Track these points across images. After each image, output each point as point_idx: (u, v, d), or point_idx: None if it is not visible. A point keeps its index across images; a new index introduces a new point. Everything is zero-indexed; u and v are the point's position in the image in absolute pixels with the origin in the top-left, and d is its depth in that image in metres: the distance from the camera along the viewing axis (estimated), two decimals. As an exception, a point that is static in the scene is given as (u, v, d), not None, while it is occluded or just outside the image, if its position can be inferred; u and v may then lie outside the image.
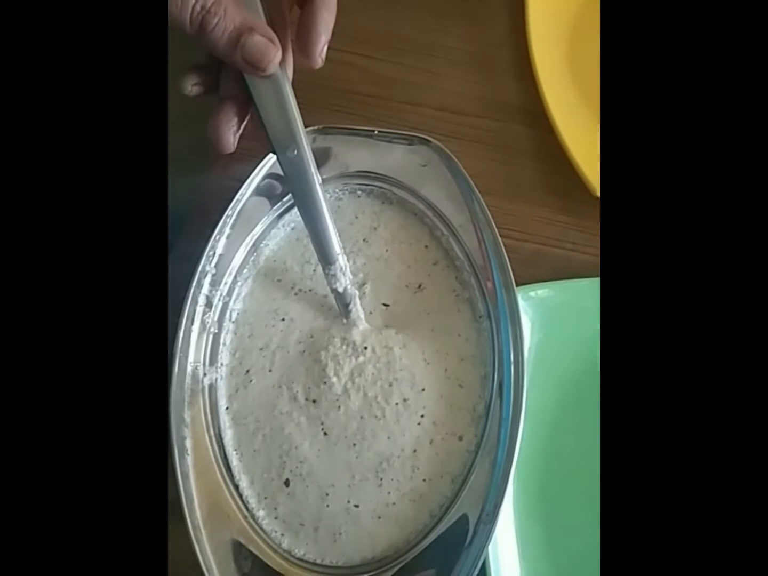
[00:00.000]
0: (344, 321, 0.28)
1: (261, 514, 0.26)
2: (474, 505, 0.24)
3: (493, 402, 0.26)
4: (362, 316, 0.28)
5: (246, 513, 0.25)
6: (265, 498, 0.26)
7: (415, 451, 0.26)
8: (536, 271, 0.33)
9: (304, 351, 0.28)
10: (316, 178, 0.25)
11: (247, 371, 0.28)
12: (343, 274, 0.27)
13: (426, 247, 0.29)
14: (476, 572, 0.23)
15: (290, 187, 0.26)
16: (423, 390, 0.27)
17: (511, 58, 0.40)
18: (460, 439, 0.26)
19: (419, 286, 0.29)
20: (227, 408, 0.27)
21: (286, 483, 0.26)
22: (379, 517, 0.25)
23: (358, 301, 0.28)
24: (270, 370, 0.27)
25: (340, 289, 0.27)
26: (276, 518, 0.25)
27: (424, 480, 0.26)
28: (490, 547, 0.26)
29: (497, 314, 0.27)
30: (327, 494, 0.25)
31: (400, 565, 0.24)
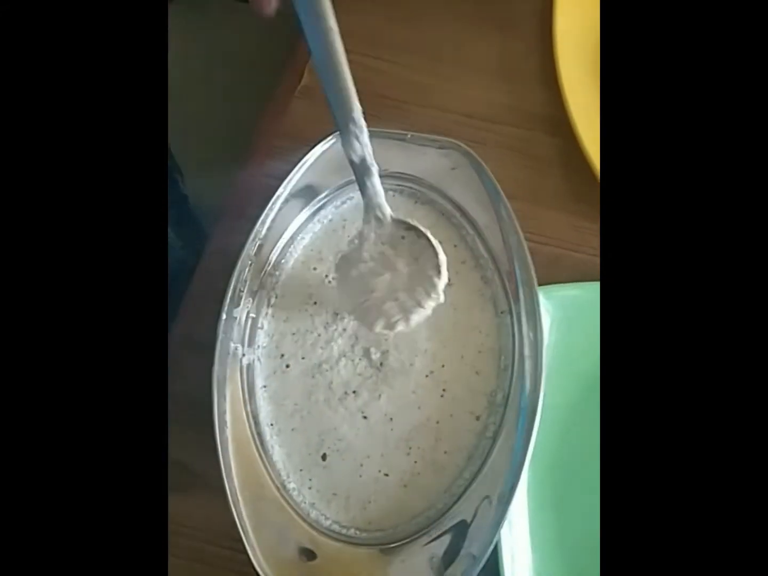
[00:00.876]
0: (364, 200, 0.26)
1: (292, 486, 0.28)
2: (491, 486, 0.26)
3: (512, 393, 0.27)
4: (382, 196, 0.26)
5: (278, 485, 0.27)
6: (301, 470, 0.28)
7: (438, 422, 0.28)
8: (556, 273, 0.35)
9: (334, 336, 0.29)
10: (334, 26, 0.22)
11: (282, 355, 0.29)
12: (359, 141, 0.24)
13: (455, 246, 0.31)
14: (491, 549, 0.24)
15: (307, 35, 0.22)
16: (443, 366, 0.29)
17: (538, 67, 0.41)
18: (477, 419, 0.28)
19: (448, 282, 0.30)
20: (264, 386, 0.29)
21: (323, 457, 0.28)
22: (405, 486, 0.27)
23: (376, 176, 0.25)
24: (303, 357, 0.29)
25: (356, 159, 0.24)
26: (310, 488, 0.27)
27: (445, 452, 0.28)
28: (504, 528, 0.27)
29: (518, 310, 0.29)
30: (362, 465, 0.28)
31: (420, 540, 0.25)
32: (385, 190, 0.32)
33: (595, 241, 0.37)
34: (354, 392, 0.29)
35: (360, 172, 0.25)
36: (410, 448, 0.28)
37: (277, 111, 0.41)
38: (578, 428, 0.32)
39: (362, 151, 0.24)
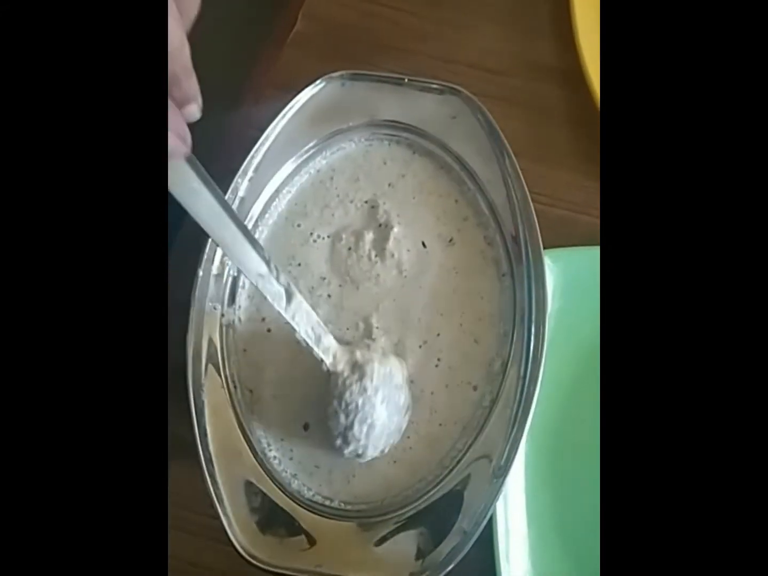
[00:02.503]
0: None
1: (272, 454, 0.26)
2: (486, 458, 0.24)
3: (510, 360, 0.25)
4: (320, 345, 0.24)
5: (258, 452, 0.25)
6: (282, 440, 0.26)
7: (432, 393, 0.26)
8: (562, 237, 0.32)
9: (318, 303, 0.27)
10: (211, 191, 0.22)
11: (263, 319, 0.28)
12: (279, 282, 0.24)
13: (456, 201, 0.29)
14: (484, 523, 0.23)
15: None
16: (438, 335, 0.27)
17: (550, 15, 0.38)
18: (475, 389, 0.26)
19: (450, 240, 0.28)
20: (245, 350, 0.27)
21: (305, 427, 0.26)
22: (395, 462, 0.25)
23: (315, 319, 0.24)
24: (285, 323, 0.27)
25: (282, 303, 0.24)
26: (291, 459, 0.26)
27: (440, 424, 0.26)
28: (499, 504, 0.26)
29: (521, 272, 0.26)
30: None
31: (408, 513, 0.24)
32: (380, 140, 0.30)
33: (604, 203, 0.35)
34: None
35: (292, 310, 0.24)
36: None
37: (268, 59, 0.38)
38: (580, 401, 0.30)
39: (286, 290, 0.24)
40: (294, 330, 0.24)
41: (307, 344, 0.24)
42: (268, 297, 0.23)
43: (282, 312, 0.23)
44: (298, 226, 0.29)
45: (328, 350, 0.24)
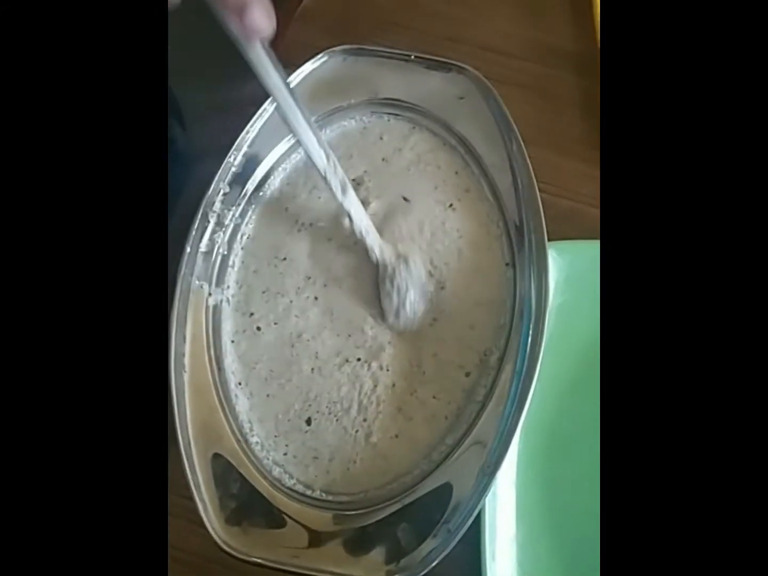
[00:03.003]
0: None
1: (254, 440, 0.25)
2: (476, 455, 0.23)
3: (507, 355, 0.24)
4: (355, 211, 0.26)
5: (239, 437, 0.24)
6: (276, 436, 0.25)
7: (425, 373, 0.25)
8: (570, 229, 0.31)
9: (307, 306, 0.26)
10: (280, 75, 0.23)
11: (252, 314, 0.27)
12: (335, 173, 0.25)
13: (456, 173, 0.27)
14: (469, 522, 0.22)
15: (263, 86, 0.23)
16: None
17: (569, -1, 0.37)
18: (467, 375, 0.25)
19: (450, 205, 0.27)
20: (233, 341, 0.26)
21: (308, 422, 0.25)
22: (396, 436, 0.24)
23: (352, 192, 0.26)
24: (276, 323, 0.26)
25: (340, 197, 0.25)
26: (285, 454, 0.25)
27: (433, 397, 0.25)
28: (488, 501, 0.25)
29: (522, 262, 0.25)
30: (354, 423, 0.25)
31: (392, 508, 0.23)
32: (380, 116, 0.28)
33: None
34: (347, 360, 0.26)
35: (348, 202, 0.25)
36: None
37: (274, 35, 0.37)
38: (578, 399, 0.29)
39: (337, 182, 0.25)
40: (351, 221, 0.25)
41: (362, 236, 0.25)
42: (332, 186, 0.25)
43: (343, 203, 0.25)
44: (286, 210, 0.28)
45: (375, 243, 0.26)
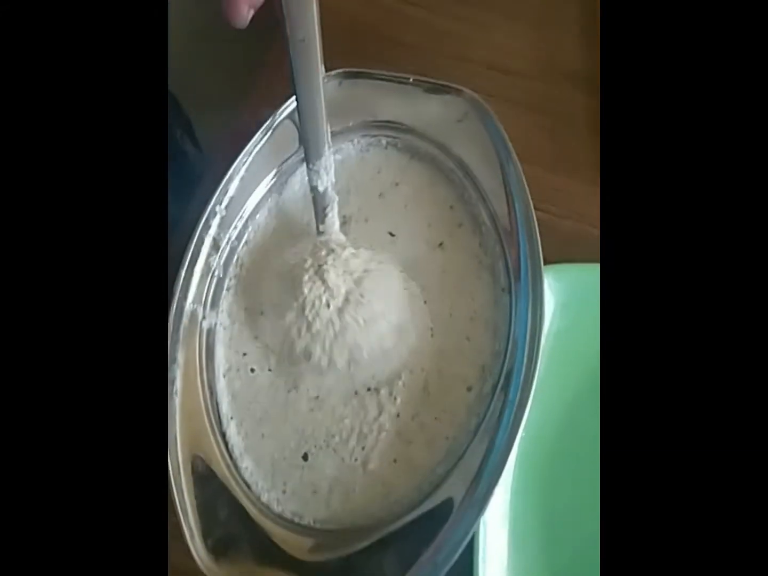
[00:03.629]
0: (319, 228, 0.26)
1: (245, 465, 0.25)
2: (464, 486, 0.22)
3: (500, 383, 0.24)
4: (337, 226, 0.26)
5: (229, 462, 0.24)
6: (273, 475, 0.25)
7: (429, 394, 0.25)
8: (574, 252, 0.30)
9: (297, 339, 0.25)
10: (320, 70, 0.24)
11: (245, 354, 0.26)
12: (327, 172, 0.26)
13: (451, 207, 0.27)
14: (455, 558, 0.21)
15: (293, 73, 0.24)
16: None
17: (577, 18, 0.36)
18: (469, 389, 0.25)
19: (440, 244, 0.27)
20: (224, 376, 0.26)
21: (305, 457, 0.25)
22: (395, 461, 0.24)
23: (336, 206, 0.26)
24: (270, 370, 0.26)
25: (321, 188, 0.26)
26: (284, 492, 0.24)
27: (435, 419, 0.25)
28: (480, 534, 0.24)
29: (518, 289, 0.25)
30: (353, 451, 0.25)
31: (378, 537, 0.23)
32: (377, 143, 0.28)
33: (622, 219, 0.33)
34: (356, 393, 0.25)
35: (321, 202, 0.26)
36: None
37: (279, 57, 0.38)
38: (576, 428, 0.28)
39: (327, 182, 0.26)
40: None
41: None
42: (313, 179, 0.25)
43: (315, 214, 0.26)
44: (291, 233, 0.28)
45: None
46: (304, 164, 0.27)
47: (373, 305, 0.25)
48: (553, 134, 0.34)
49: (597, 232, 0.33)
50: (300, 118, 0.25)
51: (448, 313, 0.26)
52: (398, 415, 0.25)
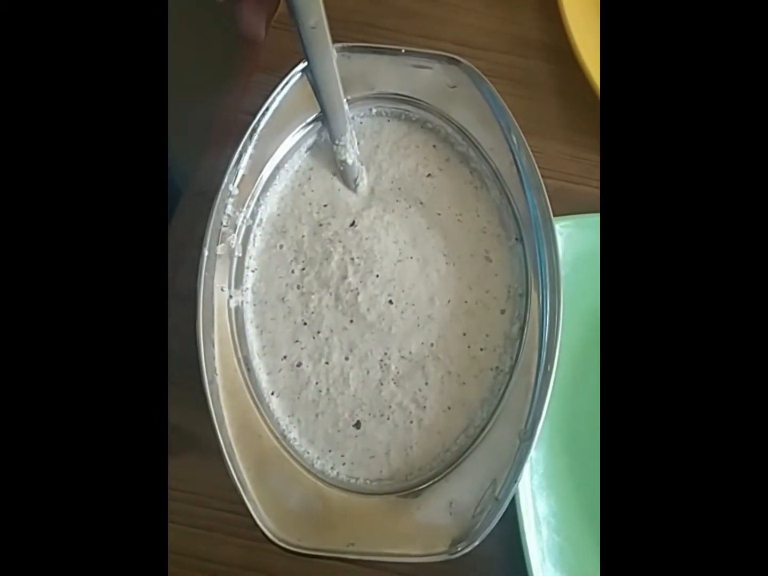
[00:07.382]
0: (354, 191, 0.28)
1: (292, 436, 0.25)
2: (510, 424, 0.24)
3: (528, 324, 0.25)
4: (367, 192, 0.28)
5: (277, 434, 0.24)
6: (329, 451, 0.25)
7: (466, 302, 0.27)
8: (560, 207, 0.32)
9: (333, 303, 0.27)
10: (333, 52, 0.25)
11: (284, 357, 0.26)
12: (352, 146, 0.27)
13: (434, 146, 0.29)
14: (513, 490, 0.23)
15: (308, 58, 0.25)
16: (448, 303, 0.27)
17: (535, -9, 0.39)
18: (503, 312, 0.27)
19: (428, 175, 0.29)
20: (258, 355, 0.26)
21: (357, 425, 0.25)
22: (449, 408, 0.25)
23: (365, 176, 0.28)
24: (318, 357, 0.26)
25: (350, 161, 0.27)
26: (344, 464, 0.25)
27: (481, 349, 0.26)
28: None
29: (531, 237, 0.26)
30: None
31: (438, 484, 0.23)
32: (377, 114, 0.29)
33: (598, 173, 0.35)
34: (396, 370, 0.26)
35: (351, 173, 0.28)
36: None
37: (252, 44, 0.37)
38: (589, 369, 0.30)
39: (354, 155, 0.28)
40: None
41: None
42: (340, 153, 0.27)
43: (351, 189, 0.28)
44: (284, 231, 0.28)
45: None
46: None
47: (400, 247, 0.27)
48: (525, 101, 0.37)
49: (579, 187, 0.35)
50: (319, 100, 0.26)
51: (462, 237, 0.28)
52: (450, 372, 0.26)
